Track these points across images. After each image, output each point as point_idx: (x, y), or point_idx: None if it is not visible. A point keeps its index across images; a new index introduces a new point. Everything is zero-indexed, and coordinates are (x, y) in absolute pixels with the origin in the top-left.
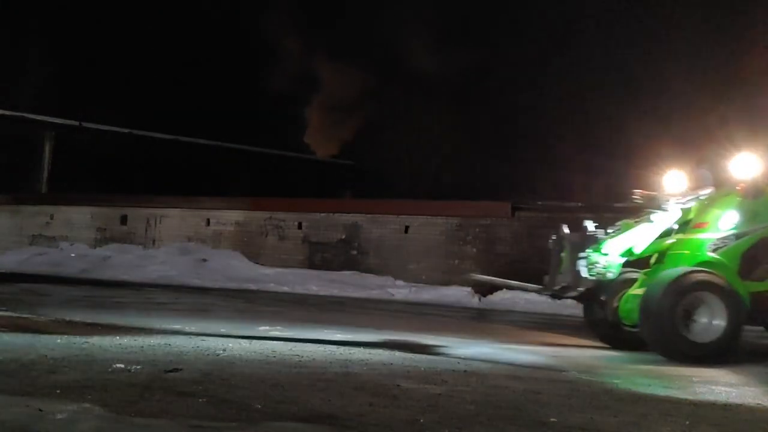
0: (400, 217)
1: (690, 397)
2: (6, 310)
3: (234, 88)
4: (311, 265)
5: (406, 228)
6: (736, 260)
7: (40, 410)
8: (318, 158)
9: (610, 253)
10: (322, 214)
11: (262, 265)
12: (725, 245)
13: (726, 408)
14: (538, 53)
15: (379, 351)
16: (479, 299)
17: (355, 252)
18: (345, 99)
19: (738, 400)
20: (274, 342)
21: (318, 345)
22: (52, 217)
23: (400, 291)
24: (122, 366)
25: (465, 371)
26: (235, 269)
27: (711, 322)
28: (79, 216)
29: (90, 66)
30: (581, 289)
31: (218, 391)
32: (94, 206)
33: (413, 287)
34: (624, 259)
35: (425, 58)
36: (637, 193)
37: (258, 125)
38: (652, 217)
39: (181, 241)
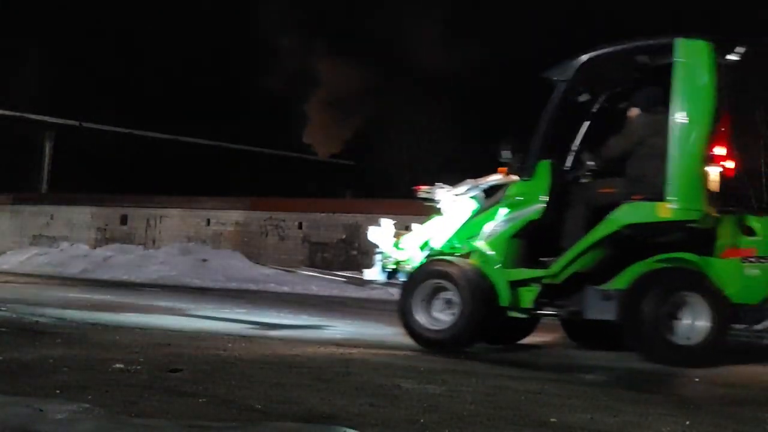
0: (400, 217)
1: (690, 397)
2: (6, 310)
3: (234, 87)
4: (311, 265)
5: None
6: (501, 247)
7: (40, 410)
8: (318, 158)
9: (407, 247)
10: (322, 214)
11: (262, 265)
12: (495, 232)
13: (726, 408)
14: (539, 52)
15: (379, 351)
16: None
17: (355, 252)
18: (345, 98)
19: (739, 400)
20: (274, 342)
21: (318, 345)
22: (52, 217)
23: None
24: (122, 366)
25: (465, 371)
26: (235, 269)
27: (445, 311)
28: (79, 216)
29: (90, 66)
30: (380, 281)
31: (218, 391)
32: (94, 206)
33: None
34: (425, 253)
35: (426, 58)
36: (420, 188)
37: (258, 125)
38: (443, 210)
39: (181, 241)
